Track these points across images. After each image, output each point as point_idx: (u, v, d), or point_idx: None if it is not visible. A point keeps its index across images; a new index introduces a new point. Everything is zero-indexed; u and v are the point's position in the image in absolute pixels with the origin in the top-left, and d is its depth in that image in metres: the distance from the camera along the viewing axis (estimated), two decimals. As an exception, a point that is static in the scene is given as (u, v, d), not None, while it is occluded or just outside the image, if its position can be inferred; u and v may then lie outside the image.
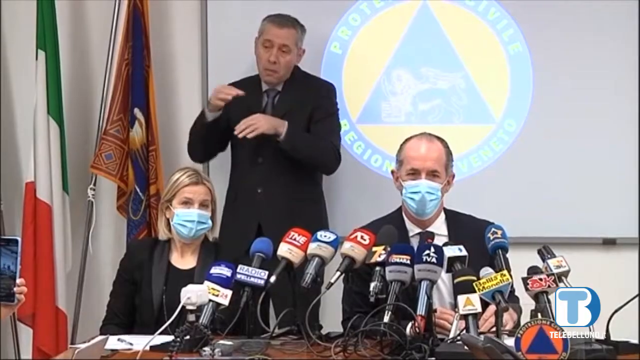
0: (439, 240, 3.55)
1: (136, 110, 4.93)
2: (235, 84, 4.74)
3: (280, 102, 4.71)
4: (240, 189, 4.72)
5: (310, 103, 4.69)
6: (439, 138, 3.82)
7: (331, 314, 3.90)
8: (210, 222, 3.92)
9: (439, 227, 3.76)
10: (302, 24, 4.75)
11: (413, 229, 3.76)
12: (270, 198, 4.65)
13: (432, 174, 3.73)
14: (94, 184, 5.01)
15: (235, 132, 4.53)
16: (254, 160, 4.67)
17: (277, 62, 4.65)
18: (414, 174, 3.73)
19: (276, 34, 4.66)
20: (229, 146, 4.80)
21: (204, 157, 4.84)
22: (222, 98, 4.56)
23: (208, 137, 4.70)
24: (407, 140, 3.83)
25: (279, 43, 4.65)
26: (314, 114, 4.68)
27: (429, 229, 3.74)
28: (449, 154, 3.81)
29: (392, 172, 3.88)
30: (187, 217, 3.88)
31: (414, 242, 3.63)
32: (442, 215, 3.80)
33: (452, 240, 3.57)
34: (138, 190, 4.91)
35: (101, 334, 3.60)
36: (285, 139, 4.55)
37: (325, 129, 4.69)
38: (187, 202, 3.91)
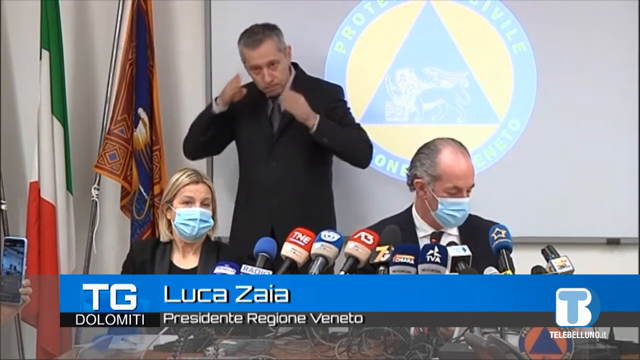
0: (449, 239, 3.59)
1: (140, 110, 4.93)
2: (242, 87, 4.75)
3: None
4: (253, 192, 4.70)
5: (322, 107, 4.62)
6: (464, 147, 3.80)
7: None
8: (212, 220, 3.93)
9: (453, 228, 3.77)
10: (273, 25, 4.66)
11: (426, 229, 3.76)
12: (284, 201, 4.62)
13: (470, 190, 3.73)
14: (98, 184, 5.01)
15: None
16: (268, 164, 4.65)
17: (273, 77, 4.61)
18: (456, 192, 3.70)
19: (257, 56, 4.58)
20: (236, 148, 4.79)
21: (196, 153, 4.80)
22: (236, 87, 4.58)
23: (207, 130, 4.68)
24: (438, 151, 3.75)
25: (265, 62, 4.58)
26: (330, 117, 4.61)
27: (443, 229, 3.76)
28: None
29: (416, 180, 3.76)
30: (189, 216, 3.89)
31: (425, 243, 3.63)
32: None
33: (464, 239, 3.59)
34: (142, 190, 4.91)
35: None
36: (317, 130, 4.52)
37: (349, 122, 4.65)
38: (188, 202, 3.91)
